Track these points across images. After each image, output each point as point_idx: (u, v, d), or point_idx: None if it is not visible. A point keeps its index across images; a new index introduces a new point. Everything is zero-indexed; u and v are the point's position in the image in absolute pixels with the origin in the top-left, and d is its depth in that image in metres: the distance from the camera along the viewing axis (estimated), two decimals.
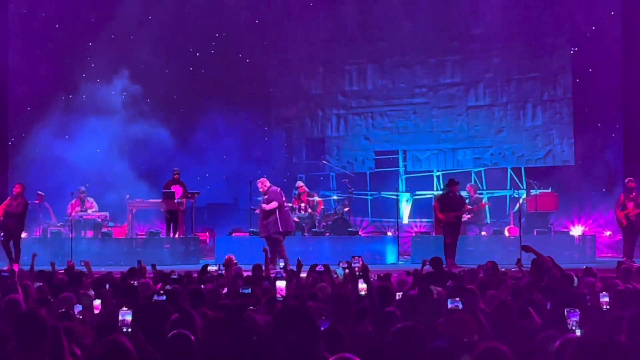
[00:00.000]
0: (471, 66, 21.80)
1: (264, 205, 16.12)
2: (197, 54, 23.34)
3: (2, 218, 17.02)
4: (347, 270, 9.18)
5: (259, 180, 16.59)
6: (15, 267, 15.96)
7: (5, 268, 12.99)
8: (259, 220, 16.52)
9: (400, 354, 4.65)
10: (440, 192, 18.35)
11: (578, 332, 5.73)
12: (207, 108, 22.95)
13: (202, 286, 8.85)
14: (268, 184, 16.40)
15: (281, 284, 7.52)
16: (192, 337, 5.18)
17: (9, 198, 17.38)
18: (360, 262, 8.31)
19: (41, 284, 8.93)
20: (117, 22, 22.56)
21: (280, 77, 23.94)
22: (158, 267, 12.02)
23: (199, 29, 23.00)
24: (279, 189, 16.45)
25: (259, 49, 23.67)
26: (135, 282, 8.81)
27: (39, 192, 19.25)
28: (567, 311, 5.85)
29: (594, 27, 20.33)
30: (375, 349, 5.56)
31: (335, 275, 9.93)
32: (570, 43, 20.67)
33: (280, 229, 15.99)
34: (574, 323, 5.80)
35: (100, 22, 22.65)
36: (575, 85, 20.66)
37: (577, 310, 5.90)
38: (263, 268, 10.97)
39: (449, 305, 6.13)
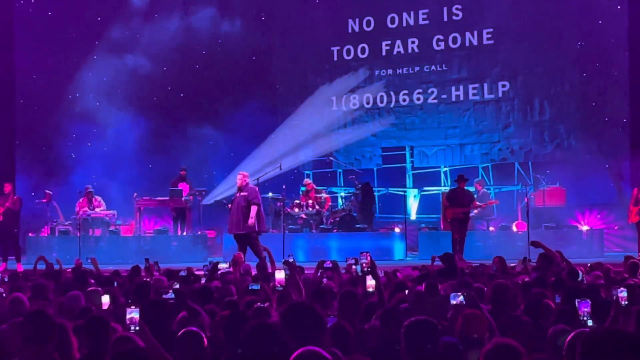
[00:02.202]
0: (478, 61, 21.73)
1: (250, 221, 15.18)
2: (203, 52, 23.34)
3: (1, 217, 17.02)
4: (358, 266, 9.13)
5: (240, 172, 15.75)
6: (20, 268, 16.00)
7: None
8: (234, 216, 15.49)
9: (412, 348, 4.62)
10: (449, 189, 18.31)
11: (590, 323, 5.62)
12: (214, 106, 22.99)
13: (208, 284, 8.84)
14: (248, 179, 15.71)
15: (280, 275, 7.48)
16: (203, 335, 5.16)
17: None
18: (368, 258, 8.23)
19: (47, 282, 8.93)
20: (123, 21, 22.60)
21: (287, 75, 23.90)
22: (166, 265, 12.03)
23: (204, 27, 22.98)
24: (257, 187, 15.93)
25: (265, 47, 23.64)
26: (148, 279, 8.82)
27: (47, 191, 19.30)
28: (577, 302, 5.74)
29: (600, 22, 20.26)
30: (383, 345, 5.54)
31: (343, 271, 9.92)
32: (577, 37, 20.59)
33: (257, 229, 15.33)
34: (586, 314, 5.67)
35: (106, 21, 22.67)
36: (582, 80, 20.59)
37: (589, 300, 5.80)
38: (269, 266, 10.95)
39: (452, 301, 6.08)
